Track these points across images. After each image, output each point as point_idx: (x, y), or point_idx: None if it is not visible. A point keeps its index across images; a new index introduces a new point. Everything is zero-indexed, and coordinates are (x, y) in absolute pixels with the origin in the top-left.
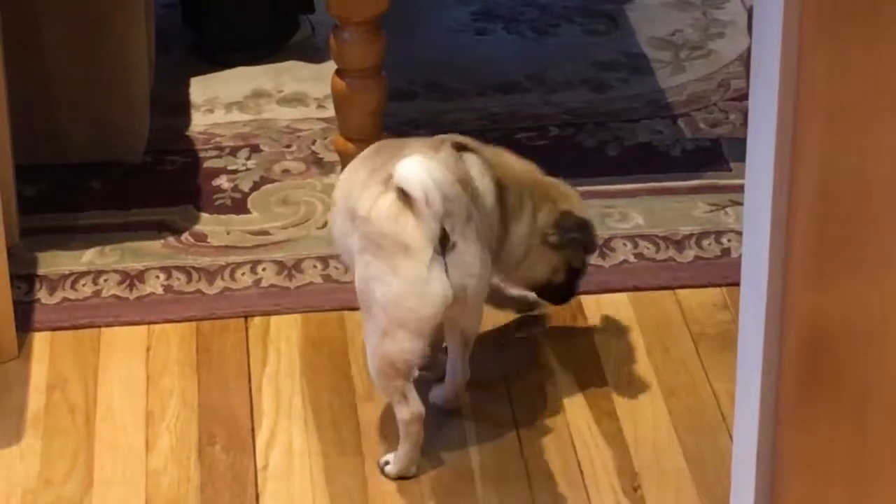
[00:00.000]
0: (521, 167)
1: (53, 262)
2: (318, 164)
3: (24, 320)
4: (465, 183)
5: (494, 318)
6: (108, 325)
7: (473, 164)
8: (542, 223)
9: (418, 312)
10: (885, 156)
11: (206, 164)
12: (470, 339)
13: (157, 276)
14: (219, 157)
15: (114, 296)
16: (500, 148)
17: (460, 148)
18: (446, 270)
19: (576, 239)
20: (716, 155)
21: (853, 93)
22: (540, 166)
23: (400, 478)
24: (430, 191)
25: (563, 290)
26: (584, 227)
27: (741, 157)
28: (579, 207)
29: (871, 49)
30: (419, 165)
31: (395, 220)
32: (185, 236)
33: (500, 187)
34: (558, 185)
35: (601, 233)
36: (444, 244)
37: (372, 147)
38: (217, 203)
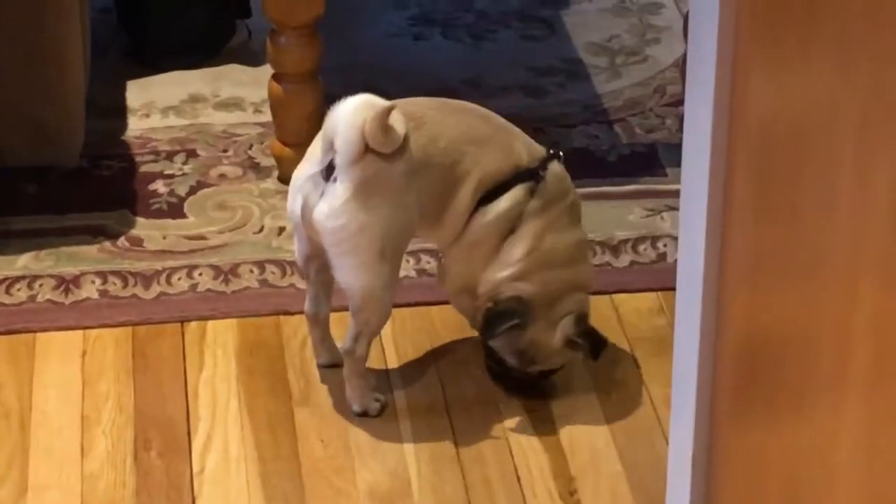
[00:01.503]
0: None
1: None
2: (255, 169)
3: None
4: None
5: (429, 327)
6: (43, 330)
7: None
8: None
9: (289, 209)
10: (820, 160)
11: (143, 169)
12: (354, 307)
13: (93, 281)
14: (155, 161)
15: (49, 301)
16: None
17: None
18: (322, 194)
19: (578, 344)
20: (652, 160)
21: (788, 99)
22: None
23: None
24: (333, 122)
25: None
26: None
27: (677, 163)
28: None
29: (806, 55)
30: (352, 103)
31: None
32: (121, 241)
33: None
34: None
35: None
36: (329, 173)
37: None
38: (153, 208)
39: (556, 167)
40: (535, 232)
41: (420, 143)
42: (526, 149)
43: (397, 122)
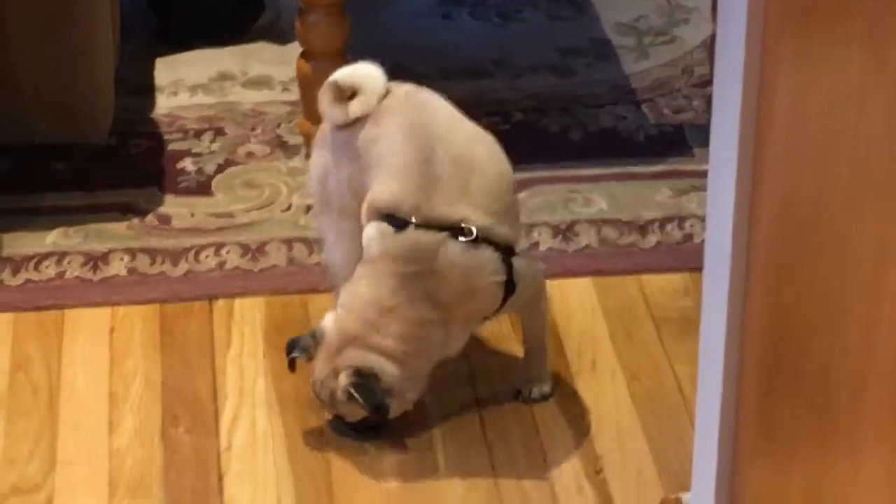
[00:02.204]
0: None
1: (17, 244)
2: (283, 147)
3: None
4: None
5: None
6: (71, 307)
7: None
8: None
9: None
10: (848, 140)
11: (171, 147)
12: None
13: (122, 258)
14: (183, 139)
15: (77, 277)
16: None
17: None
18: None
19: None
20: (679, 141)
21: (817, 79)
22: (504, 151)
23: None
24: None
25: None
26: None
27: (704, 143)
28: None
29: (835, 35)
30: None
31: None
32: (150, 218)
33: None
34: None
35: (565, 217)
36: None
37: None
38: (181, 185)
39: (432, 241)
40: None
41: (364, 133)
42: (437, 205)
43: (324, 99)
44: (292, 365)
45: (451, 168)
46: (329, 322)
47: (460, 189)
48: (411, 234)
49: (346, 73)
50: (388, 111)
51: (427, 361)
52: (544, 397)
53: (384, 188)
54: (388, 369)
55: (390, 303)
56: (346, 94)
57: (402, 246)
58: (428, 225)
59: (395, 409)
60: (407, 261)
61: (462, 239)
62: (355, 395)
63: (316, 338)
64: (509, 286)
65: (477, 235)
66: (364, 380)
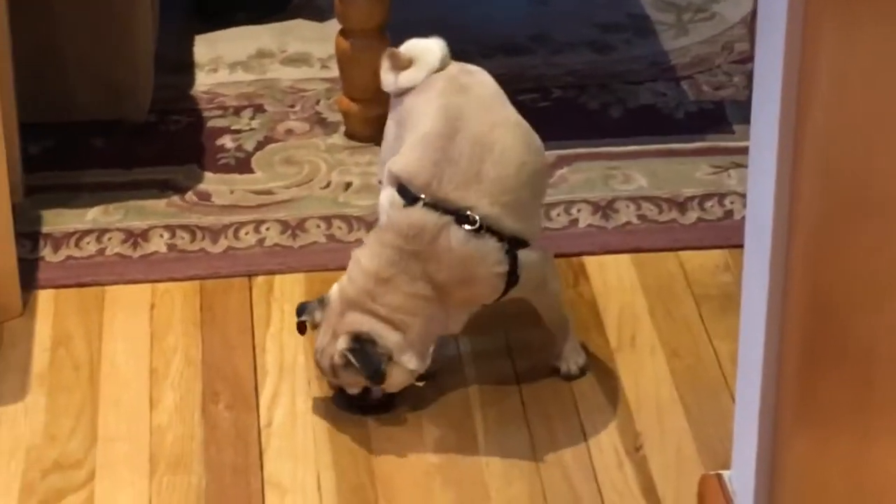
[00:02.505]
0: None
1: (58, 221)
2: (322, 124)
3: (29, 278)
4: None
5: None
6: (112, 284)
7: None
8: None
9: None
10: (890, 117)
11: (210, 124)
12: None
13: (161, 235)
14: (223, 116)
15: (118, 254)
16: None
17: None
18: None
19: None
20: (719, 117)
21: (859, 56)
22: (544, 127)
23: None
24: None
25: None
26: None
27: (744, 120)
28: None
29: (877, 12)
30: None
31: None
32: (189, 195)
33: None
34: None
35: (605, 194)
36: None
37: None
38: (221, 162)
39: (434, 223)
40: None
41: (408, 102)
42: (448, 187)
43: (382, 66)
44: (301, 328)
45: (469, 151)
46: (334, 289)
47: (473, 174)
48: (418, 212)
49: (407, 45)
50: (431, 85)
51: (427, 334)
52: (582, 371)
53: (405, 155)
54: (386, 335)
55: (387, 274)
56: (403, 64)
57: (406, 222)
58: (436, 205)
59: (394, 378)
60: (408, 238)
61: (466, 227)
62: (352, 359)
63: (323, 303)
64: (512, 277)
65: (481, 225)
66: (361, 344)
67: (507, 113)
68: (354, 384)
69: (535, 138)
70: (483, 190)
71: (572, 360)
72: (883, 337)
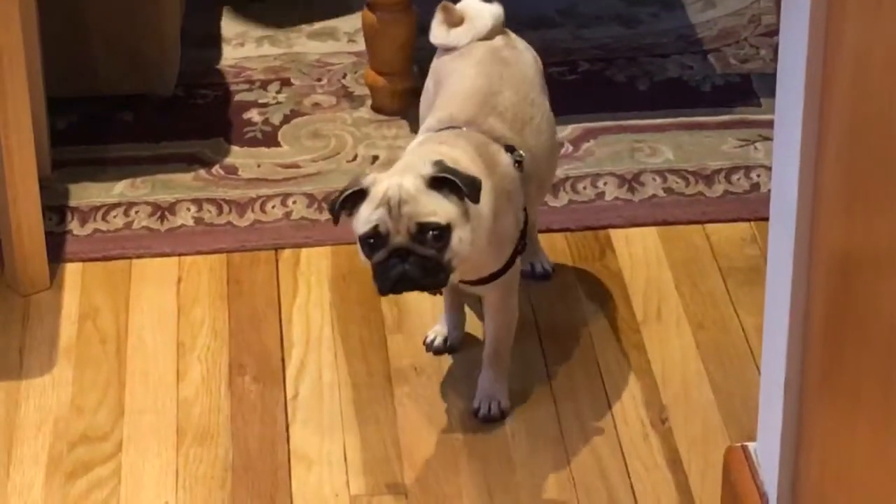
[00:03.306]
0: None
1: (85, 194)
2: (349, 98)
3: (56, 251)
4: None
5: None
6: (139, 257)
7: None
8: None
9: None
10: None
11: (237, 98)
12: None
13: (188, 209)
14: (249, 90)
15: (145, 227)
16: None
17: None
18: None
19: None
20: (746, 90)
21: (883, 30)
22: (571, 101)
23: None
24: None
25: None
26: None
27: (771, 93)
28: None
29: None
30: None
31: None
32: (216, 169)
33: None
34: None
35: (631, 167)
36: None
37: None
38: (248, 136)
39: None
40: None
41: (449, 63)
42: (496, 123)
43: (435, 18)
44: (336, 217)
45: (513, 108)
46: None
47: (518, 129)
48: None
49: (463, 2)
50: (472, 52)
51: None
52: (502, 414)
53: (444, 108)
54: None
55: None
56: (455, 20)
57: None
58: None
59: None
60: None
61: (513, 155)
62: (446, 173)
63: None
64: (524, 239)
65: (522, 163)
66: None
67: (542, 101)
68: (427, 216)
69: (556, 140)
70: (525, 145)
71: (494, 401)
72: None
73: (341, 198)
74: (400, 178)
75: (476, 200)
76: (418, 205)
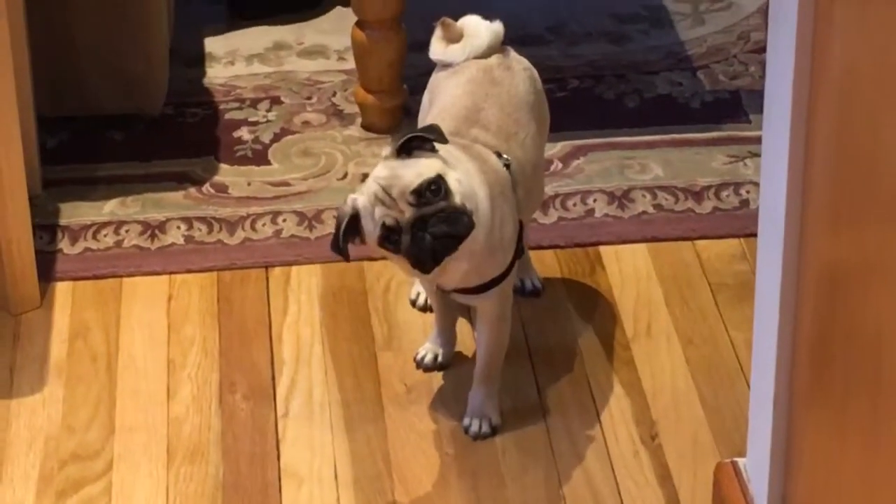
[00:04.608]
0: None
1: (75, 213)
2: (339, 116)
3: (47, 270)
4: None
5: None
6: (129, 275)
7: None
8: None
9: None
10: None
11: (227, 116)
12: None
13: (179, 227)
14: (239, 108)
15: (135, 246)
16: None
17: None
18: None
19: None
20: (735, 107)
21: (870, 43)
22: (560, 118)
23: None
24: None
25: None
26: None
27: (760, 109)
28: None
29: (887, 4)
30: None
31: None
32: (206, 187)
33: None
34: None
35: (621, 184)
36: None
37: None
38: (238, 154)
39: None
40: None
41: (443, 78)
42: (481, 133)
43: (436, 38)
44: (346, 254)
45: (498, 122)
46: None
47: (503, 139)
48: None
49: (463, 19)
50: (465, 70)
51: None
52: (493, 430)
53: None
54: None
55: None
56: (453, 36)
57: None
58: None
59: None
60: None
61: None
62: (447, 183)
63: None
64: (520, 244)
65: (511, 167)
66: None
67: (528, 121)
68: (415, 179)
69: (543, 160)
70: (511, 154)
71: (485, 418)
72: (894, 322)
73: (342, 232)
74: (371, 177)
75: (443, 140)
76: (401, 179)
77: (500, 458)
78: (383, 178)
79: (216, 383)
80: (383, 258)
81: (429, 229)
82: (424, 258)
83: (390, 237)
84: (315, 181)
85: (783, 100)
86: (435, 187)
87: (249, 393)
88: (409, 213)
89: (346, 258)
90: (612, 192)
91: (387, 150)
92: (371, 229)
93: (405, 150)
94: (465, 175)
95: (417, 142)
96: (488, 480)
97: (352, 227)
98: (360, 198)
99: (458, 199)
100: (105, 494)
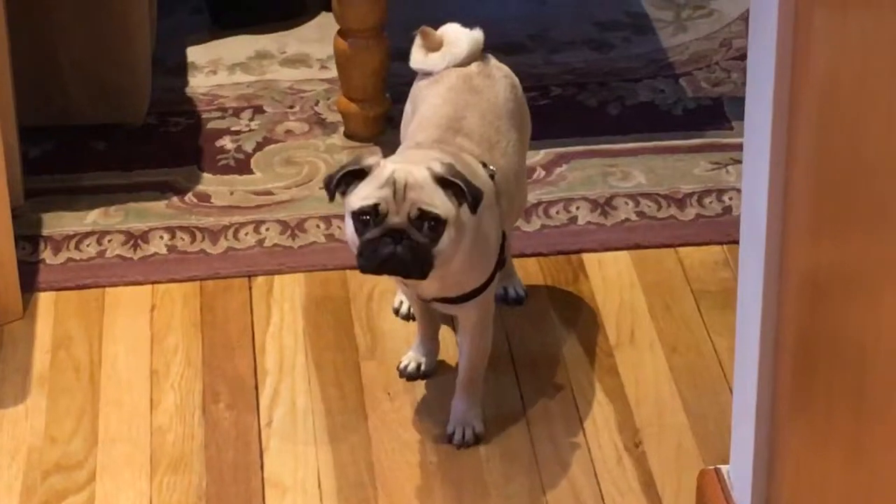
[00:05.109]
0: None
1: (58, 223)
2: (321, 125)
3: (29, 280)
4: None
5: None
6: (112, 285)
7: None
8: None
9: None
10: (880, 111)
11: (210, 126)
12: None
13: (161, 237)
14: (222, 118)
15: (118, 256)
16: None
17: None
18: None
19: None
20: (717, 114)
21: (850, 50)
22: (543, 126)
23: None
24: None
25: None
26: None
27: (742, 116)
28: None
29: (866, 9)
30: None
31: None
32: (189, 197)
33: None
34: None
35: (603, 191)
36: None
37: None
38: (220, 164)
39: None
40: None
41: (425, 87)
42: (463, 142)
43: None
44: (332, 194)
45: (480, 130)
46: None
47: (486, 148)
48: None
49: (443, 29)
50: (444, 79)
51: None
52: (476, 439)
53: (409, 142)
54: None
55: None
56: (433, 45)
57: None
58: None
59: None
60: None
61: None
62: (453, 178)
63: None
64: (503, 254)
65: (494, 176)
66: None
67: (508, 129)
68: (430, 205)
69: (525, 168)
70: (495, 164)
71: (469, 427)
72: (876, 330)
73: (342, 173)
74: (410, 167)
75: (474, 211)
76: (423, 193)
77: (484, 467)
78: (415, 177)
79: (199, 393)
80: None
81: (399, 245)
82: (371, 260)
83: (368, 217)
84: (298, 190)
85: (764, 107)
86: (434, 225)
87: (233, 402)
88: (401, 218)
89: (331, 197)
90: (595, 200)
91: (437, 165)
92: (364, 194)
93: (446, 184)
94: (458, 236)
95: (458, 190)
96: (472, 489)
97: (354, 176)
98: (382, 168)
99: (437, 249)
100: None
